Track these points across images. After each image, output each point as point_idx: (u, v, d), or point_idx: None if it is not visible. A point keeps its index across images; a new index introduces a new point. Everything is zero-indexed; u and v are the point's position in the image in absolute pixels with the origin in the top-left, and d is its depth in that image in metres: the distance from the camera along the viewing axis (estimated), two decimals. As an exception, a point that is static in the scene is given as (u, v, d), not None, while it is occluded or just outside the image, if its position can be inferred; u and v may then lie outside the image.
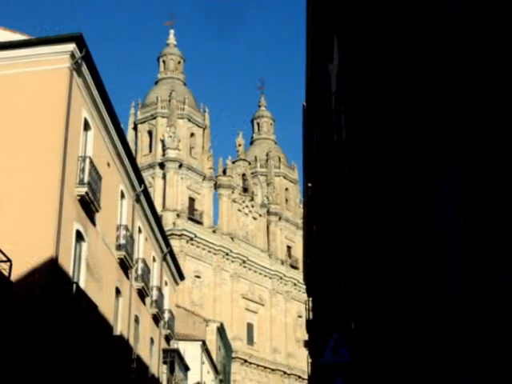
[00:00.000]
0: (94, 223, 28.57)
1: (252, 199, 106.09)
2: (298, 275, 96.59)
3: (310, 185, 31.49)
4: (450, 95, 8.43)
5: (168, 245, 45.90)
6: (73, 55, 26.38)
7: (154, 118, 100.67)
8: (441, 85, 8.60)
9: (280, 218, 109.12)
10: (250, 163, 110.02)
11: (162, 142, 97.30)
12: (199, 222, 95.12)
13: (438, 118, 8.76)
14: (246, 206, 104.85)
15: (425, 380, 10.20)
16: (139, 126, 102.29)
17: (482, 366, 7.33)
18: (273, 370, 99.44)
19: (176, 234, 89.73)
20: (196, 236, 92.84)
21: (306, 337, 54.71)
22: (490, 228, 7.42)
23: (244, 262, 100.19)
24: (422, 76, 9.04)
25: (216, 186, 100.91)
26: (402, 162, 10.22)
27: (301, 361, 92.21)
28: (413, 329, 10.73)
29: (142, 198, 38.06)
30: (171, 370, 46.89)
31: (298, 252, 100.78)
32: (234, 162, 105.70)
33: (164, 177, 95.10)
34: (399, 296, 11.57)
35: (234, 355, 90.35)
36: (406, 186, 10.32)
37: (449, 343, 8.66)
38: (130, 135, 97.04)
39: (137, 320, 36.53)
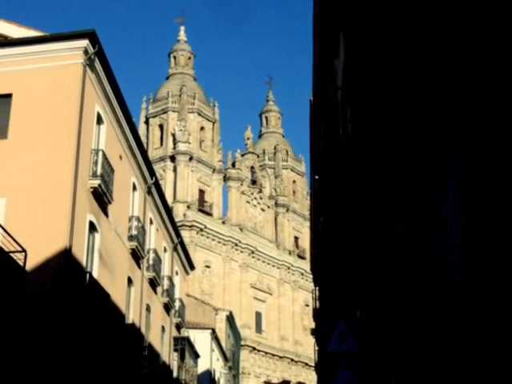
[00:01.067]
0: (106, 214, 28.61)
1: (260, 191, 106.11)
2: (305, 265, 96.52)
3: (316, 177, 31.45)
4: (449, 95, 8.36)
5: (178, 235, 45.95)
6: (86, 51, 26.39)
7: (165, 113, 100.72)
8: (441, 85, 8.53)
9: (288, 210, 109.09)
10: (258, 156, 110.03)
11: (173, 135, 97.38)
12: (209, 214, 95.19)
13: (437, 117, 8.68)
14: (255, 198, 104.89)
15: (425, 380, 10.15)
16: (150, 120, 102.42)
17: (482, 365, 7.26)
18: (280, 357, 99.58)
19: (186, 225, 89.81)
20: (206, 227, 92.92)
21: (312, 325, 54.76)
22: (490, 228, 7.32)
23: (252, 252, 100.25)
24: (422, 76, 8.97)
25: (225, 179, 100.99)
26: (402, 161, 10.16)
27: (308, 348, 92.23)
28: (413, 328, 10.70)
29: (154, 190, 38.10)
30: (182, 358, 46.94)
31: (305, 242, 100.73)
32: (242, 155, 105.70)
33: (175, 169, 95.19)
34: (401, 290, 11.54)
35: (242, 343, 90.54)
36: (406, 186, 10.26)
37: (449, 343, 8.60)
38: (141, 129, 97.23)
39: (148, 309, 36.60)
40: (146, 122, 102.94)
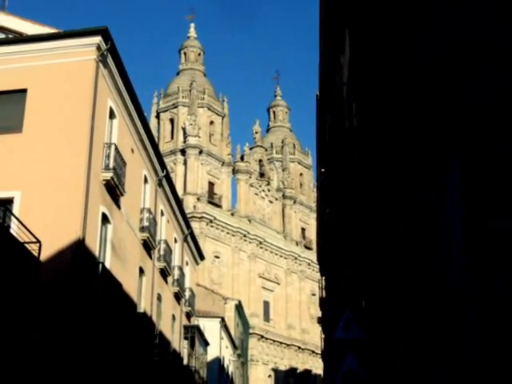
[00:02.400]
0: (118, 206, 28.65)
1: (268, 184, 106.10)
2: (312, 255, 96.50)
3: (322, 170, 31.41)
4: (450, 95, 8.30)
5: (189, 227, 45.98)
6: (99, 47, 26.39)
7: (176, 107, 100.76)
8: (441, 84, 8.47)
9: (295, 202, 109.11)
10: (266, 150, 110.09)
11: (183, 129, 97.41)
12: (218, 206, 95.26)
13: (438, 117, 8.63)
14: (263, 190, 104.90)
15: (425, 380, 10.12)
16: (161, 115, 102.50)
17: (482, 365, 7.21)
18: (288, 345, 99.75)
19: (196, 217, 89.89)
20: (215, 218, 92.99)
21: (319, 314, 54.76)
22: (490, 228, 7.25)
23: (261, 243, 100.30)
24: (423, 76, 8.92)
25: (234, 171, 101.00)
26: (404, 161, 10.13)
27: (314, 336, 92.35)
28: (413, 327, 10.67)
29: (164, 183, 38.11)
30: (192, 345, 47.00)
31: (312, 233, 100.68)
32: (251, 149, 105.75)
33: (185, 162, 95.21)
34: (403, 285, 11.51)
35: (251, 331, 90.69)
36: (407, 185, 10.21)
37: (449, 343, 8.56)
38: (152, 123, 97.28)
39: (159, 298, 36.66)
40: (157, 117, 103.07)
